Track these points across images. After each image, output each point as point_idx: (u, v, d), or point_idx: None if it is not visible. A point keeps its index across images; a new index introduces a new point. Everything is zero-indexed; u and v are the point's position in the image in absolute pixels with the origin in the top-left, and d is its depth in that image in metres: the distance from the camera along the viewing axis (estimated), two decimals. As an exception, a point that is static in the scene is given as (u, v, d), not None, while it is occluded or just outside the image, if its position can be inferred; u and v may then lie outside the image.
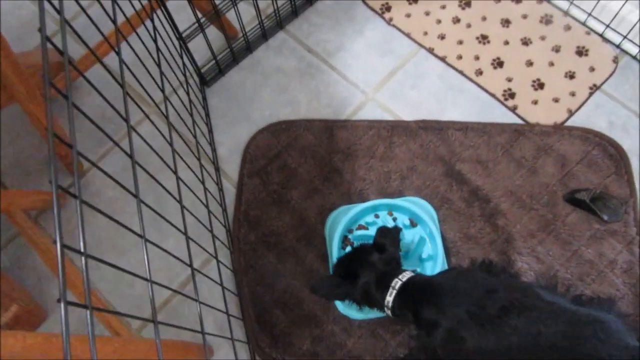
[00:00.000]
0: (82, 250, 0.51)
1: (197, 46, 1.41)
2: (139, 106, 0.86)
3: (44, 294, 1.33)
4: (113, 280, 1.35)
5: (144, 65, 0.98)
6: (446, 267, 1.21)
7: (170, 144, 0.93)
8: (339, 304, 1.20)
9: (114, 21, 0.78)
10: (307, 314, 1.23)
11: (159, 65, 1.00)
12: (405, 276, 1.00)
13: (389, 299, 0.99)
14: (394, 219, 1.27)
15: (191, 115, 1.24)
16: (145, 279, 0.66)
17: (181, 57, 1.28)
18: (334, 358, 1.18)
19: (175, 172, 0.92)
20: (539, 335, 0.83)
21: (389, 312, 1.01)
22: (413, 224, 1.26)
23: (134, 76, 0.92)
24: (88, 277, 0.51)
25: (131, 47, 0.96)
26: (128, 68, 0.93)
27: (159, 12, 1.17)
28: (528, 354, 0.84)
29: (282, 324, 1.22)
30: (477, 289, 0.91)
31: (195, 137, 1.22)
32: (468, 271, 0.98)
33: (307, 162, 1.37)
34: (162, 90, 0.98)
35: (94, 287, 1.33)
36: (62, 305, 0.45)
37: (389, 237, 1.09)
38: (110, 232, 1.39)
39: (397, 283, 0.99)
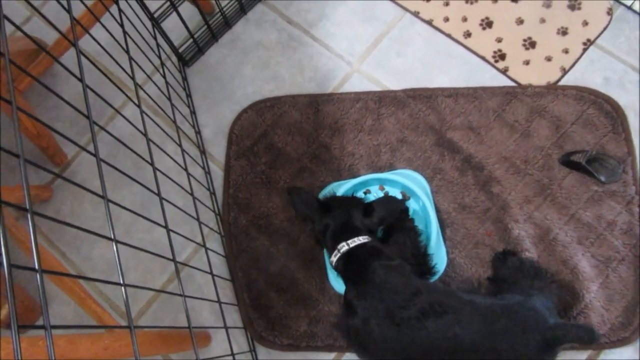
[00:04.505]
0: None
1: (174, 25, 1.36)
2: (122, 90, 0.83)
3: (38, 289, 1.31)
4: (106, 270, 1.34)
5: (122, 47, 0.94)
6: (441, 239, 1.18)
7: (145, 134, 0.90)
8: (334, 283, 1.18)
9: (68, 10, 0.73)
10: (302, 295, 1.21)
11: (127, 52, 0.95)
12: (355, 242, 0.98)
13: (333, 259, 0.99)
14: (386, 194, 1.24)
15: (169, 98, 1.19)
16: (119, 284, 0.63)
17: (155, 39, 1.23)
18: (331, 339, 1.17)
19: (152, 164, 0.89)
20: (455, 337, 0.84)
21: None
22: (405, 198, 1.23)
23: (113, 58, 0.90)
24: (36, 236, 0.51)
25: (107, 30, 0.92)
26: (106, 51, 0.89)
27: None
28: (443, 355, 0.85)
29: (278, 306, 1.21)
30: (405, 288, 0.90)
31: (175, 121, 1.18)
32: (401, 267, 0.96)
33: (294, 139, 1.33)
34: (132, 77, 0.94)
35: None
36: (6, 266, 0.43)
37: (385, 209, 1.06)
38: (99, 221, 1.37)
39: (343, 247, 0.98)
